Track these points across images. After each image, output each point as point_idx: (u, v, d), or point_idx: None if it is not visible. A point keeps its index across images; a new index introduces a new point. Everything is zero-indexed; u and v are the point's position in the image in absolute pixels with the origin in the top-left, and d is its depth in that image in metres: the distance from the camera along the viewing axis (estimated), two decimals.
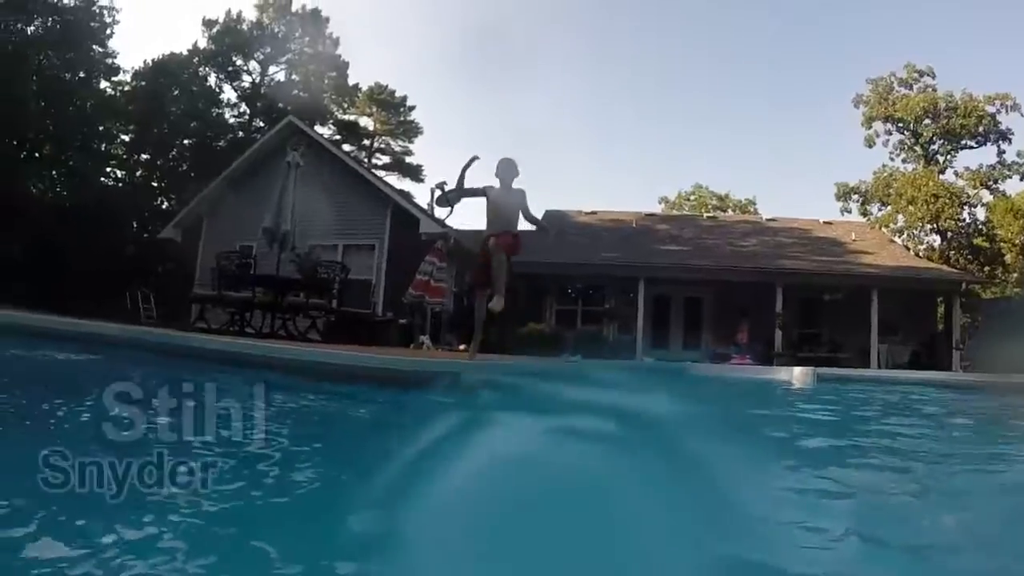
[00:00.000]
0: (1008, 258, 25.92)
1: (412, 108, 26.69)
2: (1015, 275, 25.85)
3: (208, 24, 24.25)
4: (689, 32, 41.44)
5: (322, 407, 3.52)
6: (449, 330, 12.79)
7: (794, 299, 15.11)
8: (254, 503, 1.43)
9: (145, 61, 23.75)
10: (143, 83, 23.56)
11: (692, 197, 32.87)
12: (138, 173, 24.01)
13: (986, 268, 25.58)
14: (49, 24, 20.83)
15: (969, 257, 25.85)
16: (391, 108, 25.98)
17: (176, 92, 23.38)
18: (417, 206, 14.17)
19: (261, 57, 23.98)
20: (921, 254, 23.61)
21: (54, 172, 22.09)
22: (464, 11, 38.13)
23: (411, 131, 26.43)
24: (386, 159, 27.20)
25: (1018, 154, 26.42)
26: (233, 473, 1.44)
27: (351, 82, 25.20)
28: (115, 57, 22.90)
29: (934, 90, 27.03)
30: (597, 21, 42.86)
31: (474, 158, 5.33)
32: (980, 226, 26.62)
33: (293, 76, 24.32)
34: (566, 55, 42.93)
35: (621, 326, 14.50)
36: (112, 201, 21.41)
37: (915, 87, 27.30)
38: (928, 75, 27.22)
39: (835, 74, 43.36)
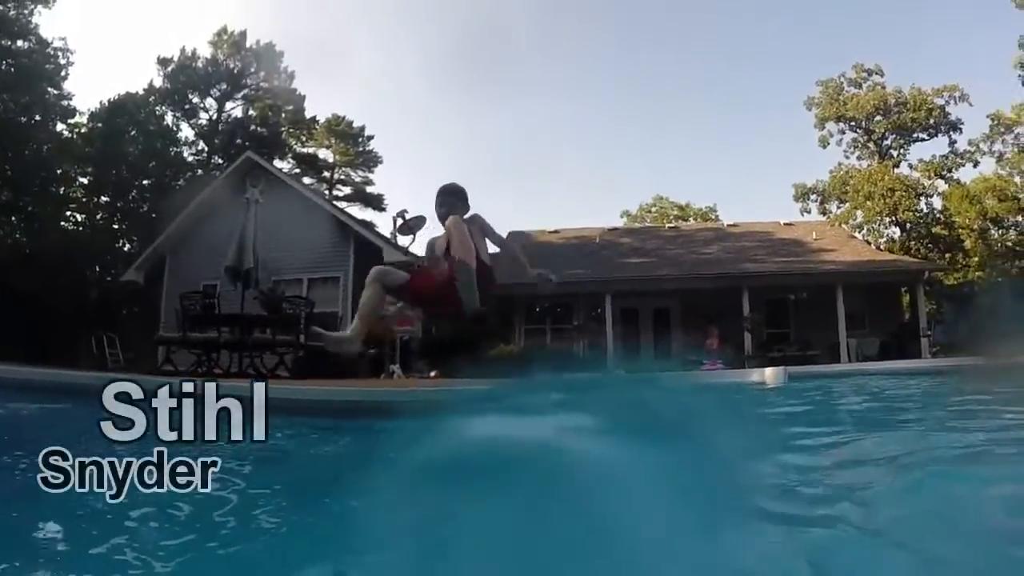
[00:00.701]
0: (967, 244, 26.68)
1: (371, 138, 26.83)
2: (975, 259, 26.60)
3: (163, 62, 24.12)
4: (646, 39, 42.23)
5: None
6: (419, 358, 12.70)
7: (761, 301, 15.33)
8: None
9: (101, 102, 23.50)
10: (99, 124, 23.26)
11: (653, 209, 33.36)
12: (98, 216, 23.59)
13: (947, 255, 26.28)
14: (2, 67, 20.48)
15: (929, 246, 26.54)
16: (349, 139, 25.97)
17: (133, 132, 23.12)
18: (380, 235, 14.13)
19: (217, 94, 23.85)
20: (882, 247, 24.18)
21: (12, 218, 21.62)
22: (421, 34, 38.54)
23: (371, 161, 26.45)
24: (347, 190, 27.26)
25: (969, 142, 27.36)
26: None
27: (308, 115, 25.26)
28: (70, 99, 22.65)
29: (883, 87, 27.88)
30: (552, 28, 43.48)
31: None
32: (938, 215, 27.38)
33: (250, 112, 24.20)
34: (530, 75, 43.53)
35: (591, 341, 14.55)
36: (73, 245, 21.00)
37: (864, 86, 28.13)
38: (876, 73, 28.09)
39: (787, 76, 44.56)
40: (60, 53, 21.70)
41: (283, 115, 24.45)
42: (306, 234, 13.97)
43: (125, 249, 21.89)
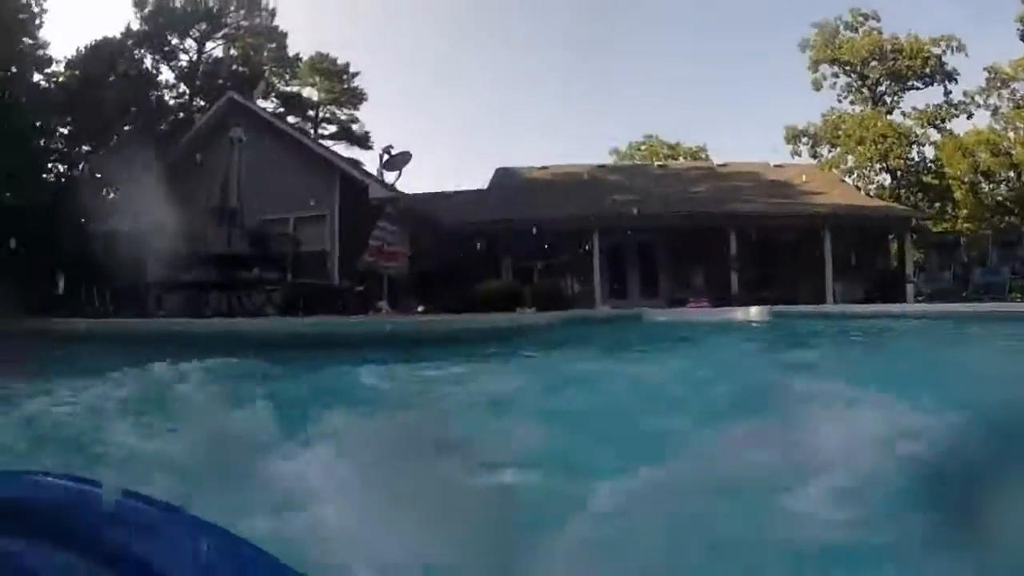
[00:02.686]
0: (957, 195, 26.71)
1: (356, 75, 26.11)
2: (964, 211, 26.67)
3: (139, 4, 23.23)
4: None
5: None
6: (407, 293, 12.75)
7: (748, 242, 15.38)
8: None
9: (78, 48, 22.74)
10: (77, 72, 22.57)
11: (643, 147, 32.93)
12: (80, 165, 23.16)
13: (936, 205, 26.36)
14: None
15: (919, 195, 26.58)
16: (334, 76, 25.36)
17: (112, 78, 22.47)
18: (366, 172, 13.97)
19: (197, 34, 23.09)
20: (871, 193, 24.21)
21: None
22: None
23: (356, 98, 25.87)
24: (332, 128, 26.59)
25: (964, 93, 27.06)
26: None
27: (291, 53, 24.55)
28: (46, 48, 21.87)
29: (879, 33, 27.40)
30: None
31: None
32: (929, 164, 27.33)
33: (231, 51, 23.51)
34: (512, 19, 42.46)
35: (579, 278, 14.60)
36: (57, 197, 20.64)
37: (860, 31, 27.64)
38: (873, 18, 27.58)
39: (785, 16, 43.81)
40: (33, 1, 20.91)
41: (265, 54, 23.78)
42: (291, 173, 13.82)
43: (108, 197, 21.56)
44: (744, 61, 44.67)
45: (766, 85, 45.01)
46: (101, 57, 22.74)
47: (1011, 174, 26.10)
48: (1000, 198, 26.47)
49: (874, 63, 27.23)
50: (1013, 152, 25.45)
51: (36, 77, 22.25)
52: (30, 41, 21.74)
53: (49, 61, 22.31)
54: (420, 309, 11.62)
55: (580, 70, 45.80)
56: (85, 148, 23.33)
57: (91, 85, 21.81)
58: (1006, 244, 16.44)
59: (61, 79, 22.72)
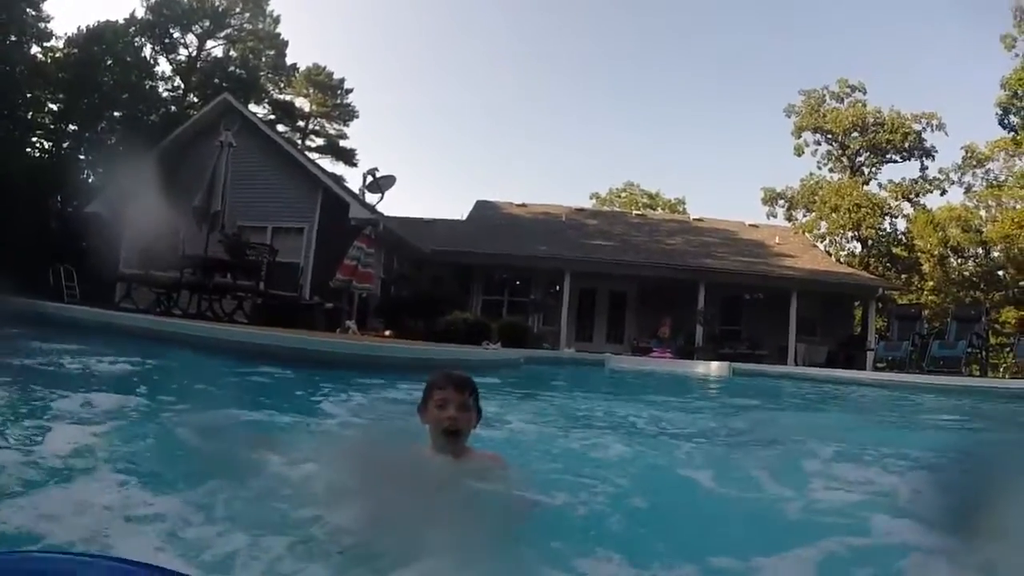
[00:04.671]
0: (925, 267, 27.52)
1: (350, 91, 26.46)
2: (930, 283, 27.46)
3: None
4: (634, 28, 42.23)
5: None
6: (375, 315, 12.80)
7: (717, 297, 15.73)
8: None
9: (79, 27, 22.63)
10: (75, 51, 22.43)
11: (623, 194, 33.55)
12: (65, 144, 22.88)
13: (903, 276, 27.11)
14: None
15: (888, 264, 27.35)
16: (328, 90, 25.54)
17: (109, 62, 22.37)
18: (348, 191, 14.07)
19: (199, 31, 23.13)
20: (842, 259, 24.87)
21: None
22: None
23: (347, 114, 26.08)
24: (320, 141, 26.85)
25: (940, 171, 28.14)
26: None
27: (289, 62, 24.73)
28: (48, 21, 21.74)
29: (864, 105, 28.44)
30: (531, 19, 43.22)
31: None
32: (900, 236, 28.20)
33: (231, 52, 23.57)
34: (501, 50, 43.22)
35: (546, 317, 14.78)
36: (37, 172, 20.33)
37: (846, 101, 28.66)
38: (859, 90, 28.64)
39: (771, 84, 45.25)
40: None
41: (263, 59, 23.88)
42: (275, 182, 13.86)
43: (90, 180, 21.31)
44: (731, 116, 46.11)
45: (750, 144, 46.47)
46: (101, 39, 22.64)
47: (979, 250, 27.03)
48: (967, 273, 27.32)
49: (856, 134, 28.22)
50: (983, 229, 26.38)
51: (34, 50, 22.08)
52: (32, 12, 21.62)
53: (49, 35, 22.17)
54: (387, 333, 11.69)
55: (572, 110, 46.83)
56: (72, 127, 23.08)
57: (87, 66, 21.69)
58: (964, 319, 16.96)
59: (58, 55, 22.57)
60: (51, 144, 23.00)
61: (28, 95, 21.62)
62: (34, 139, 22.54)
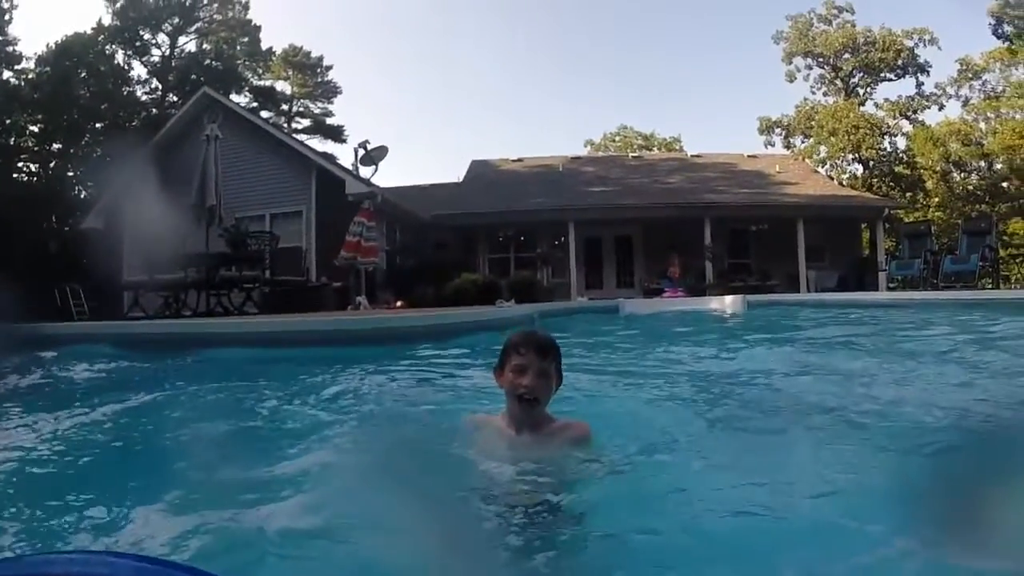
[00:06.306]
0: (929, 184, 27.20)
1: (329, 68, 26.11)
2: (935, 200, 27.17)
3: None
4: None
5: None
6: (384, 288, 12.76)
7: (723, 231, 15.58)
8: None
9: (48, 44, 22.32)
10: (47, 69, 22.15)
11: (617, 138, 33.05)
12: (52, 164, 22.76)
13: (907, 194, 26.83)
14: None
15: (891, 184, 27.04)
16: (307, 70, 25.13)
17: (83, 74, 22.08)
18: (342, 167, 13.92)
19: (169, 28, 22.74)
20: (844, 183, 24.57)
21: None
22: None
23: (329, 91, 25.74)
24: (306, 122, 26.50)
25: (936, 85, 27.58)
26: None
27: (264, 46, 24.27)
28: (16, 44, 21.46)
29: (853, 25, 27.80)
30: None
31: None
32: (900, 154, 27.82)
33: (204, 45, 23.18)
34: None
35: (554, 270, 14.70)
36: (28, 197, 20.27)
37: (834, 23, 28.02)
38: (847, 11, 27.96)
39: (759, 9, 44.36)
40: None
41: (238, 47, 23.48)
42: (267, 169, 13.73)
43: (82, 196, 21.24)
44: (718, 52, 45.21)
45: (740, 75, 45.66)
46: (72, 53, 22.32)
47: (982, 163, 26.66)
48: (971, 187, 27.00)
49: (847, 55, 27.64)
50: (984, 142, 25.97)
51: (6, 75, 21.84)
52: (0, 38, 21.31)
53: (19, 57, 21.89)
54: (399, 304, 11.65)
55: (555, 58, 46.03)
56: (56, 146, 22.91)
57: (62, 82, 21.42)
58: (975, 233, 16.76)
59: (31, 76, 22.30)
60: (38, 166, 22.89)
61: (7, 120, 21.46)
62: (20, 164, 22.45)
